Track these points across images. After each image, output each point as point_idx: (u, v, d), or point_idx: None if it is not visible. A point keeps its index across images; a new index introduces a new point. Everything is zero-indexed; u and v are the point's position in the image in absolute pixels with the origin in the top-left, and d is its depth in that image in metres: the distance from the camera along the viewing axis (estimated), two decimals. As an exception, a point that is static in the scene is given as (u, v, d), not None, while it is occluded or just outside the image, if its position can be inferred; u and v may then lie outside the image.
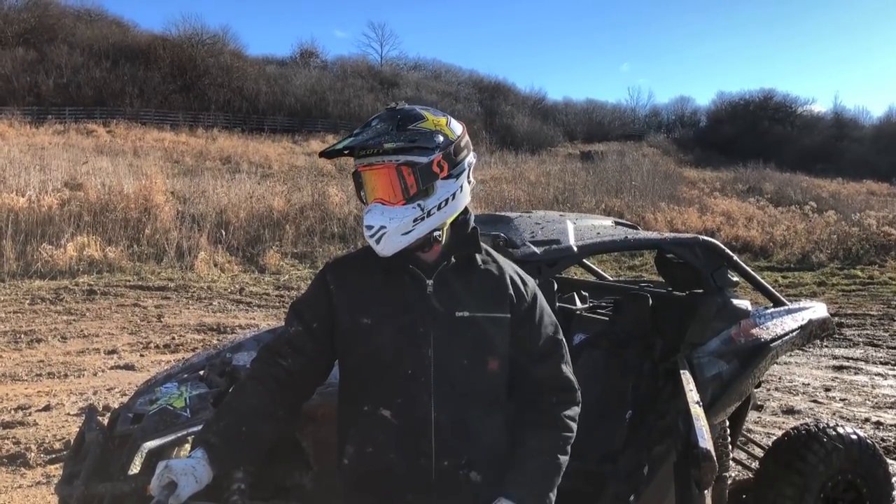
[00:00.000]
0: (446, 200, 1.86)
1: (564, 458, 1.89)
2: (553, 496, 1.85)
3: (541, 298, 2.00)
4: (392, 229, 1.80)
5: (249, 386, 1.88)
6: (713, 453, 2.45)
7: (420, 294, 1.85)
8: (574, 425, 1.94)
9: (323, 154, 1.90)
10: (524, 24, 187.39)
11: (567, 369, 1.97)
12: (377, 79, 60.61)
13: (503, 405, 1.94)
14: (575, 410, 1.96)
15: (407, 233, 1.82)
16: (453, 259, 1.90)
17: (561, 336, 1.99)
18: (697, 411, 2.66)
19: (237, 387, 1.96)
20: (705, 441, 2.46)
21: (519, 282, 1.97)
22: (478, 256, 1.94)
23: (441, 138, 1.83)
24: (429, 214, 1.84)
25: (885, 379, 7.75)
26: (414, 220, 1.82)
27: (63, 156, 22.23)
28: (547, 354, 1.95)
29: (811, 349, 8.88)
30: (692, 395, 2.78)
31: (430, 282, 1.86)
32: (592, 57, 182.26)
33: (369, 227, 1.82)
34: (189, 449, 1.81)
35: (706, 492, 2.53)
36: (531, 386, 1.95)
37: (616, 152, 43.93)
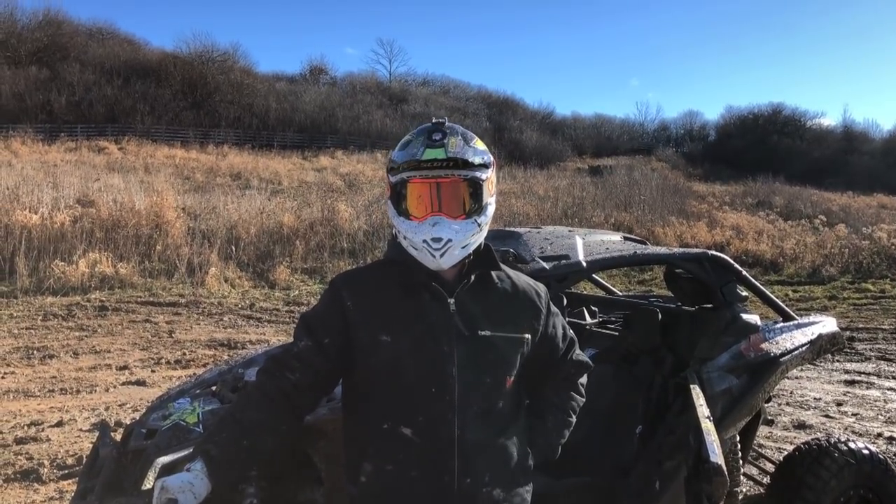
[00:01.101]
0: (489, 218, 1.91)
1: (574, 419, 2.12)
2: (559, 447, 2.09)
3: (552, 305, 2.07)
4: (456, 242, 1.82)
5: (255, 398, 1.87)
6: (724, 468, 2.45)
7: (443, 312, 1.85)
8: (583, 391, 2.16)
9: (396, 164, 1.85)
10: (532, 40, 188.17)
11: (580, 353, 2.16)
12: (386, 94, 60.95)
13: (519, 421, 1.98)
14: (585, 378, 2.17)
15: (465, 247, 1.85)
16: (472, 277, 1.91)
17: (570, 331, 2.15)
18: (708, 426, 2.66)
19: (242, 397, 1.94)
20: (716, 456, 2.47)
21: (534, 294, 2.01)
22: (494, 274, 1.96)
23: (490, 158, 1.90)
24: (480, 230, 1.88)
25: (898, 393, 7.69)
26: (472, 235, 1.86)
27: (75, 173, 22.45)
28: (566, 351, 2.10)
29: (823, 364, 8.82)
30: (703, 409, 2.79)
31: (451, 300, 1.86)
32: (600, 72, 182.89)
33: (438, 240, 1.81)
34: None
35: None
36: (554, 368, 2.10)
37: (625, 167, 43.92)
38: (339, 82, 64.88)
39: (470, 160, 1.82)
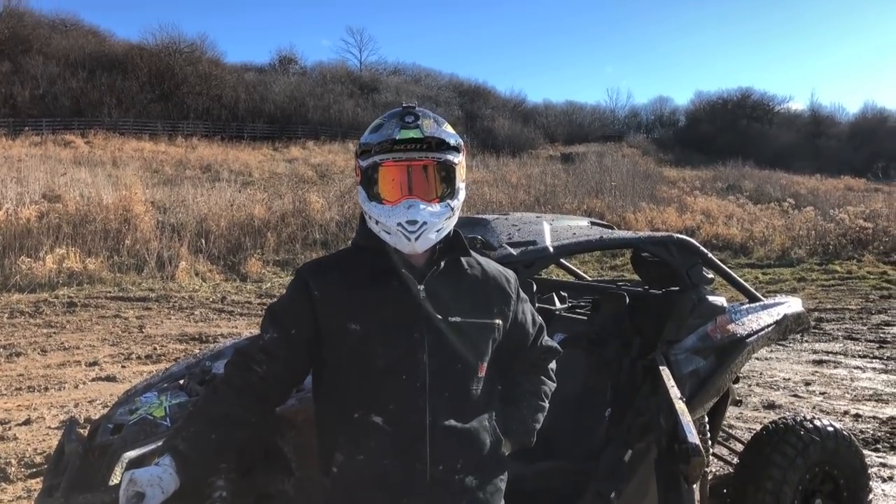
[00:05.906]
0: (461, 203, 1.90)
1: (546, 404, 2.13)
2: (535, 433, 2.09)
3: (521, 291, 2.07)
4: (430, 226, 1.81)
5: (222, 391, 1.85)
6: (702, 448, 2.47)
7: (412, 299, 1.83)
8: (554, 377, 2.18)
9: (369, 146, 1.82)
10: (503, 29, 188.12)
11: (548, 339, 2.18)
12: (357, 84, 60.53)
13: (491, 408, 1.97)
14: (554, 365, 2.19)
15: (439, 230, 1.84)
16: (442, 264, 1.90)
17: (539, 318, 2.15)
18: (682, 407, 2.68)
19: (210, 391, 1.92)
20: (693, 436, 2.48)
21: (503, 281, 2.01)
22: (464, 260, 1.95)
23: (461, 142, 1.89)
24: (453, 214, 1.87)
25: (864, 372, 7.84)
26: (446, 219, 1.85)
27: (41, 168, 21.96)
28: (535, 337, 2.11)
29: (792, 344, 8.97)
30: (674, 391, 2.81)
31: (421, 287, 1.84)
32: (571, 59, 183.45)
33: (413, 223, 1.78)
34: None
35: (695, 486, 2.55)
36: (524, 354, 2.11)
37: (596, 153, 44.03)
38: (310, 72, 64.28)
39: (446, 140, 1.82)
